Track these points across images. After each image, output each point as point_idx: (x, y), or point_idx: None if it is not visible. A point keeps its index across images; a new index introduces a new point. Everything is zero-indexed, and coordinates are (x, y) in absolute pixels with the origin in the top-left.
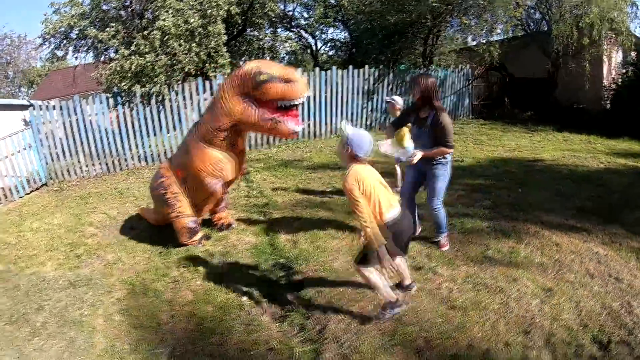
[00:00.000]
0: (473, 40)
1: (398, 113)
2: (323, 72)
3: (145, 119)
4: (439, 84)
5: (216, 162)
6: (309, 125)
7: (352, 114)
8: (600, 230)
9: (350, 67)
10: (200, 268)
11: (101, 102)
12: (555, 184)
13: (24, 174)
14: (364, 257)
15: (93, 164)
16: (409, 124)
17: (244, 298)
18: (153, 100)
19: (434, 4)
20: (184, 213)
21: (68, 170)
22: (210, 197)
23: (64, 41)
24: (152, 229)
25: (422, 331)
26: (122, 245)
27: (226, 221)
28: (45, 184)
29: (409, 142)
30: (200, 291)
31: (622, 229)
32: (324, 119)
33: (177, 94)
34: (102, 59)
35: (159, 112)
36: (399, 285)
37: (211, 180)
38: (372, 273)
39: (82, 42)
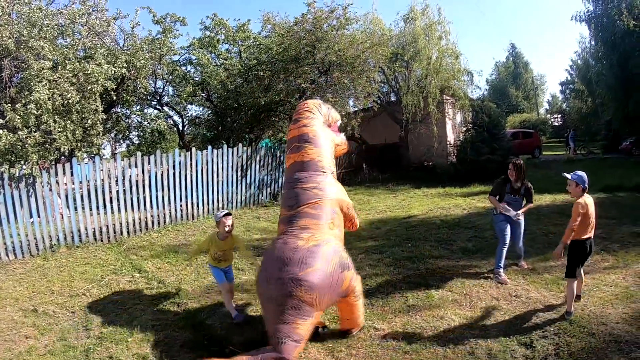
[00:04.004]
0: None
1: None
2: (199, 152)
3: (14, 203)
4: None
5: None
6: (186, 205)
7: (228, 192)
8: (487, 262)
9: (225, 146)
10: None
11: None
12: (435, 234)
13: None
14: (572, 268)
15: None
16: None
17: None
18: (22, 183)
19: (302, 85)
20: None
21: None
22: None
23: None
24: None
25: None
26: None
27: None
28: None
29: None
30: None
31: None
32: (201, 199)
33: (49, 176)
34: None
35: (29, 197)
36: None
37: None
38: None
39: None
